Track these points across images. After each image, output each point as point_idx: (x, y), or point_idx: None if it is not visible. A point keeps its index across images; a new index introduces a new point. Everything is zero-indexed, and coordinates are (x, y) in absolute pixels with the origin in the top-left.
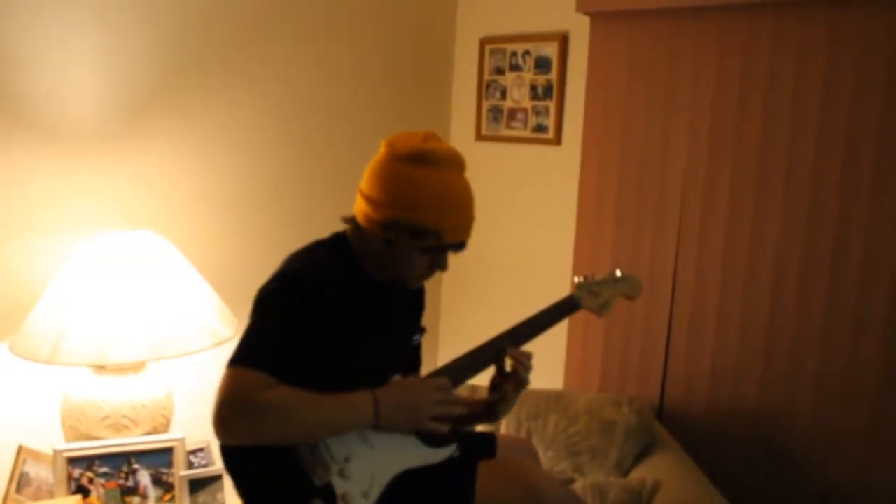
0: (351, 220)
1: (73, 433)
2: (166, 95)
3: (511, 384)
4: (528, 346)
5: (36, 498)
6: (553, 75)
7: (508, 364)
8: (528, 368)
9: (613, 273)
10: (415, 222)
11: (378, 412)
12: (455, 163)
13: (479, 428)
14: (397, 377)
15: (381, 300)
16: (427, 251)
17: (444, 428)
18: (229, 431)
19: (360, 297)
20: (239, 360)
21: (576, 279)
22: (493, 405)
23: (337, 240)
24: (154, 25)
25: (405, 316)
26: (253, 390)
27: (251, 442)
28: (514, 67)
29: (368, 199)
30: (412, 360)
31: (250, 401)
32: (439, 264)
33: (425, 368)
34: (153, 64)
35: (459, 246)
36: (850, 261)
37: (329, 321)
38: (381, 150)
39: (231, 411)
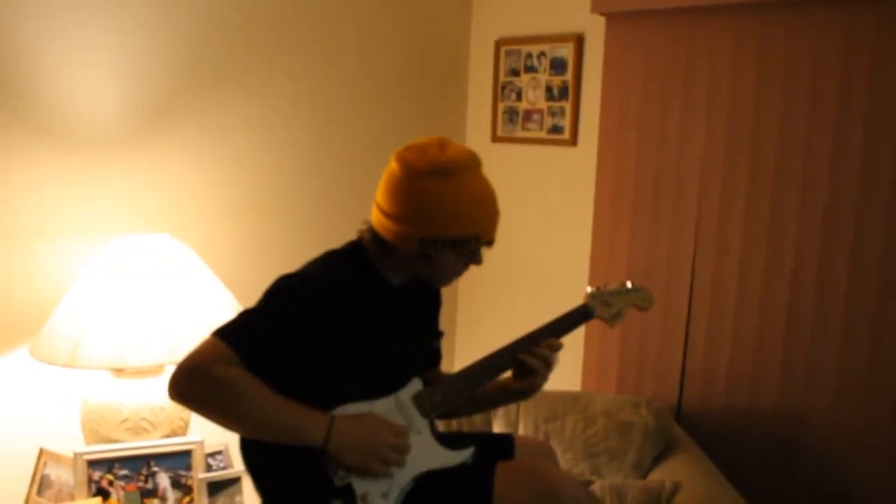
0: (369, 231)
1: (93, 436)
2: (183, 99)
3: (538, 374)
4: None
5: (57, 500)
6: (568, 76)
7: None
8: (555, 348)
9: (625, 283)
10: (454, 235)
11: (329, 438)
12: (473, 164)
13: (497, 429)
14: (416, 382)
15: (398, 306)
16: (464, 254)
17: (388, 473)
18: (177, 389)
19: (377, 305)
20: (220, 331)
21: (588, 289)
22: (519, 392)
23: (353, 248)
24: (172, 30)
25: (423, 319)
26: (214, 360)
27: (193, 408)
28: (530, 69)
29: (396, 219)
30: (432, 359)
31: (206, 368)
32: (475, 261)
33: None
34: (171, 68)
35: (490, 242)
36: (868, 262)
37: (337, 329)
38: (395, 166)
39: (185, 371)
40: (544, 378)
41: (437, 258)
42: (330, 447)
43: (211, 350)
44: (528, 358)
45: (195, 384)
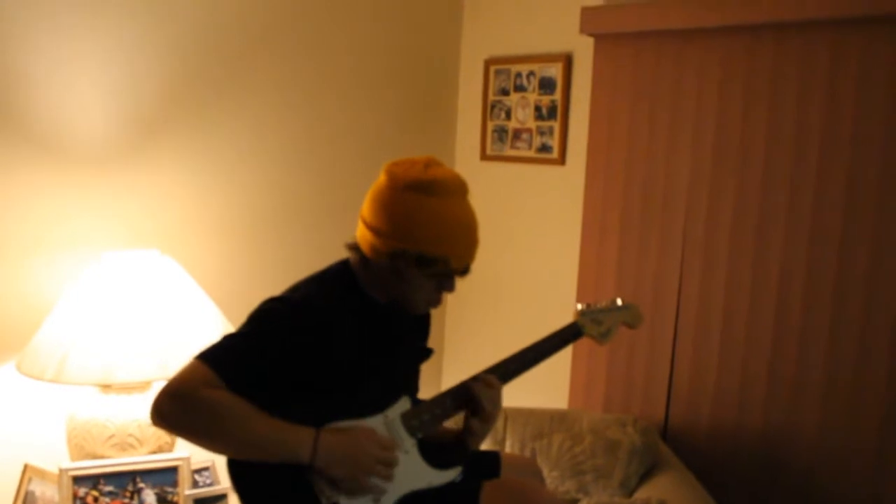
0: (354, 247)
1: (79, 452)
2: (174, 115)
3: (476, 418)
4: (531, 371)
5: None
6: (557, 96)
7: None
8: (492, 401)
9: (615, 301)
10: (420, 252)
11: (316, 453)
12: (457, 189)
13: (483, 447)
14: (405, 400)
15: (385, 326)
16: (433, 277)
17: (377, 487)
18: (159, 413)
19: (364, 325)
20: (202, 355)
21: (578, 306)
22: (462, 439)
23: (341, 268)
24: (163, 46)
25: (411, 340)
26: (197, 384)
27: (178, 433)
28: (519, 88)
29: (372, 229)
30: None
31: (188, 392)
32: (446, 287)
33: (430, 389)
34: (161, 84)
35: (465, 271)
36: (854, 278)
37: (323, 350)
38: (382, 178)
39: (168, 396)
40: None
41: (406, 275)
42: (317, 462)
43: (192, 373)
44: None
45: (178, 408)
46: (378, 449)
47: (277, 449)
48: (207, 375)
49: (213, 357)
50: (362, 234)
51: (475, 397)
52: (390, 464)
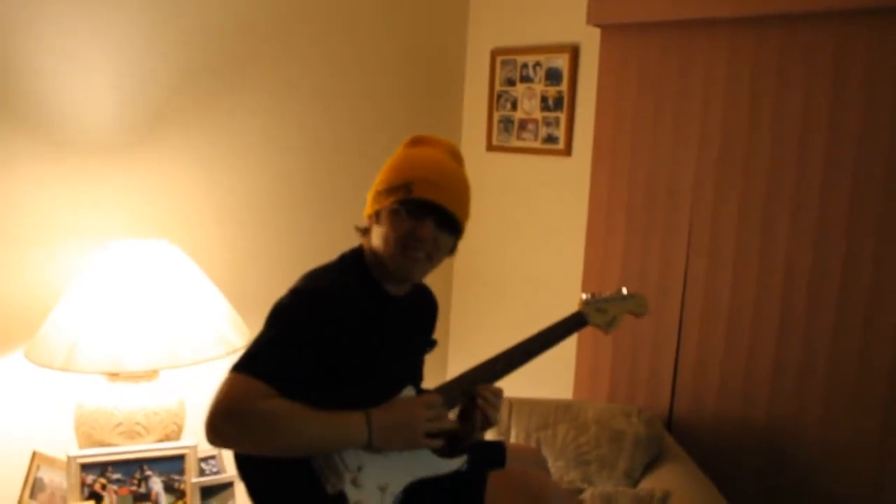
0: (364, 230)
1: (87, 440)
2: (181, 105)
3: (478, 420)
4: (536, 361)
5: (49, 503)
6: (564, 87)
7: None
8: (495, 407)
9: (620, 290)
10: (388, 183)
11: (371, 432)
12: (442, 146)
13: (488, 437)
14: (409, 389)
15: (395, 315)
16: (405, 213)
17: (438, 443)
18: (218, 435)
19: (375, 314)
20: (241, 366)
21: (583, 296)
22: (459, 436)
23: (353, 256)
24: (168, 36)
25: (418, 330)
26: (248, 398)
27: (239, 449)
28: (525, 79)
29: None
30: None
31: (243, 408)
32: (419, 230)
33: (434, 380)
34: (168, 74)
35: (437, 210)
36: (859, 271)
37: (340, 340)
38: None
39: (223, 415)
40: (490, 423)
41: (381, 219)
42: (375, 441)
43: (237, 388)
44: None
45: (235, 427)
46: (423, 408)
47: (337, 440)
48: (253, 386)
49: (255, 366)
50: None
51: (486, 415)
52: (440, 418)
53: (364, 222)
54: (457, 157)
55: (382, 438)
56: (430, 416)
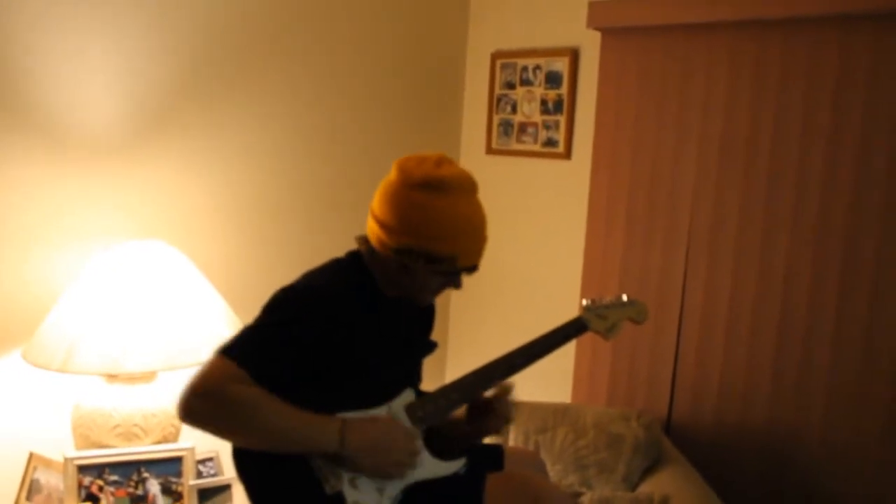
0: (364, 241)
1: (84, 441)
2: (180, 107)
3: (493, 421)
4: (535, 365)
5: None
6: (563, 90)
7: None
8: (508, 406)
9: (620, 297)
10: (428, 250)
11: (344, 443)
12: (467, 188)
13: (487, 440)
14: (408, 392)
15: (393, 318)
16: (440, 274)
17: (402, 476)
18: (189, 412)
19: (373, 316)
20: (225, 350)
21: (583, 301)
22: (470, 433)
23: (353, 259)
24: (168, 38)
25: (416, 332)
26: (224, 380)
27: (208, 430)
28: (525, 82)
29: (382, 224)
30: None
31: (217, 389)
32: (453, 284)
33: (432, 383)
34: (167, 75)
35: (472, 268)
36: (859, 274)
37: (332, 339)
38: (393, 174)
39: (196, 393)
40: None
41: (413, 271)
42: (345, 453)
43: (216, 369)
44: (496, 402)
45: (207, 406)
46: (402, 437)
47: (308, 440)
48: (233, 371)
49: (237, 351)
50: (371, 228)
51: (503, 415)
52: (415, 453)
53: (363, 233)
54: (475, 188)
55: (354, 452)
56: (409, 448)
